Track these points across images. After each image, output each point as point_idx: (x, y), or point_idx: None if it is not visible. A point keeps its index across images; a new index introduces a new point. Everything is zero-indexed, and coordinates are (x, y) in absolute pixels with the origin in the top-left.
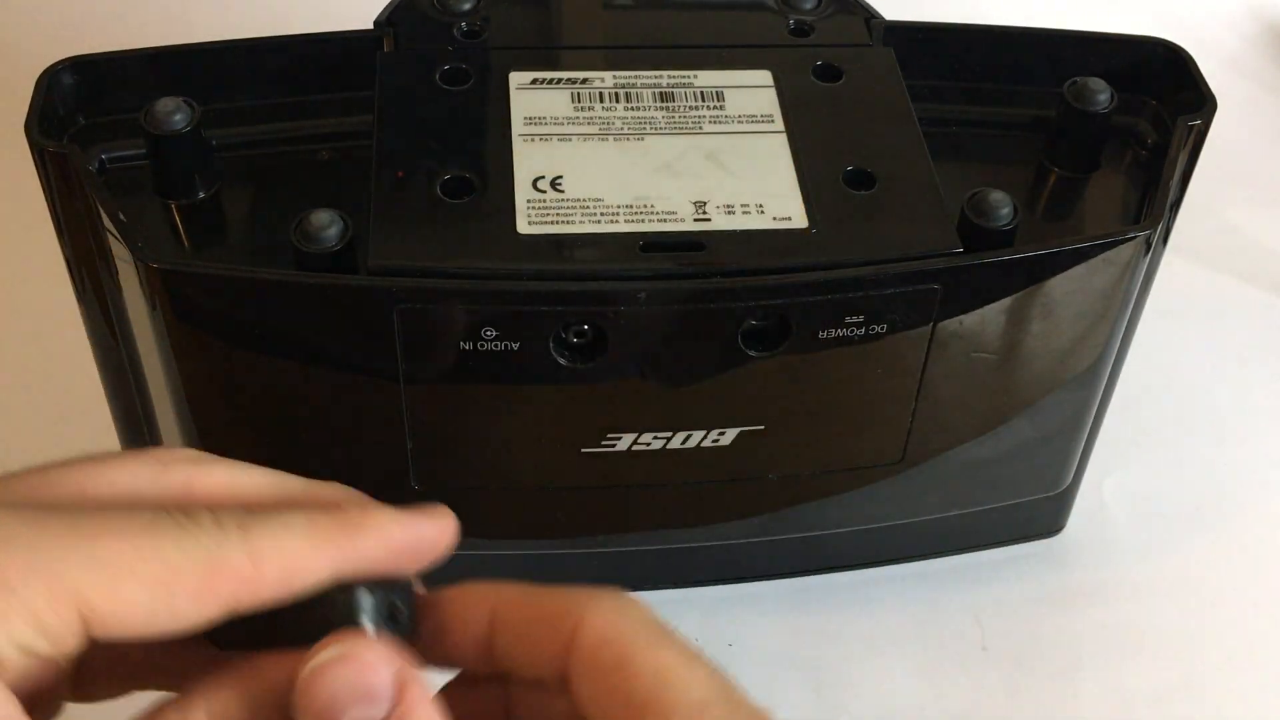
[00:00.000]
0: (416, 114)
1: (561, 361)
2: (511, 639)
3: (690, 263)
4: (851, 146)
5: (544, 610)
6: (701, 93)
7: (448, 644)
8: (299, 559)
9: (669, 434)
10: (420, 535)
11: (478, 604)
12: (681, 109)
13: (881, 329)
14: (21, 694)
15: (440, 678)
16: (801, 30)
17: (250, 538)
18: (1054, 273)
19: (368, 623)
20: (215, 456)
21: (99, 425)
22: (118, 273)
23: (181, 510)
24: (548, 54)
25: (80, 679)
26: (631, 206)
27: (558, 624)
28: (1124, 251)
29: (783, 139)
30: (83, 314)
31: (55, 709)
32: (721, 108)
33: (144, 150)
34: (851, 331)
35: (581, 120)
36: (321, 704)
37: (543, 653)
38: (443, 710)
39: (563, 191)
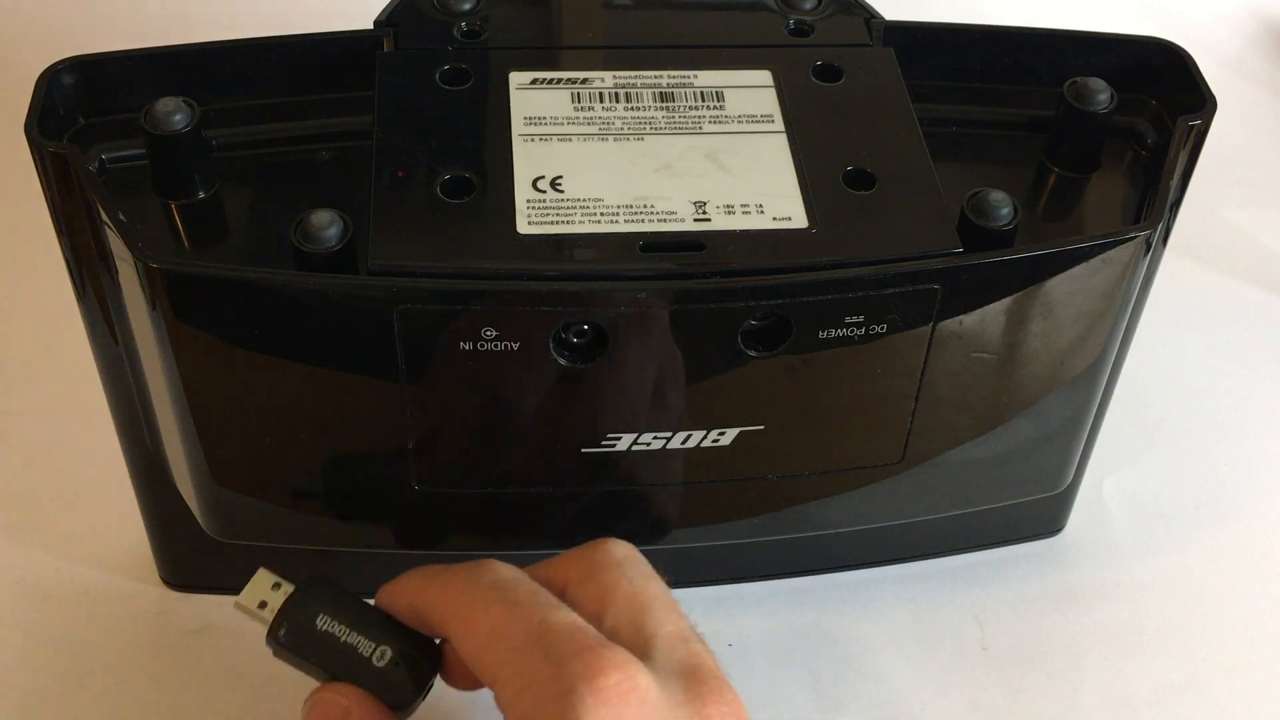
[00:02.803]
0: (416, 114)
1: (561, 361)
2: (423, 615)
3: (690, 263)
4: (851, 146)
5: (429, 592)
6: (701, 93)
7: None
8: None
9: (669, 434)
10: None
11: (403, 593)
12: (681, 109)
13: (881, 329)
14: None
15: None
16: (801, 30)
17: None
18: (1054, 273)
19: None
20: None
21: (99, 425)
22: (118, 273)
23: None
24: (548, 54)
25: None
26: (631, 206)
27: (437, 600)
28: (1124, 251)
29: (783, 139)
30: (83, 314)
31: None
32: (721, 108)
33: (144, 150)
34: (851, 331)
35: (581, 120)
36: None
37: (436, 623)
38: (382, 717)
39: (563, 191)
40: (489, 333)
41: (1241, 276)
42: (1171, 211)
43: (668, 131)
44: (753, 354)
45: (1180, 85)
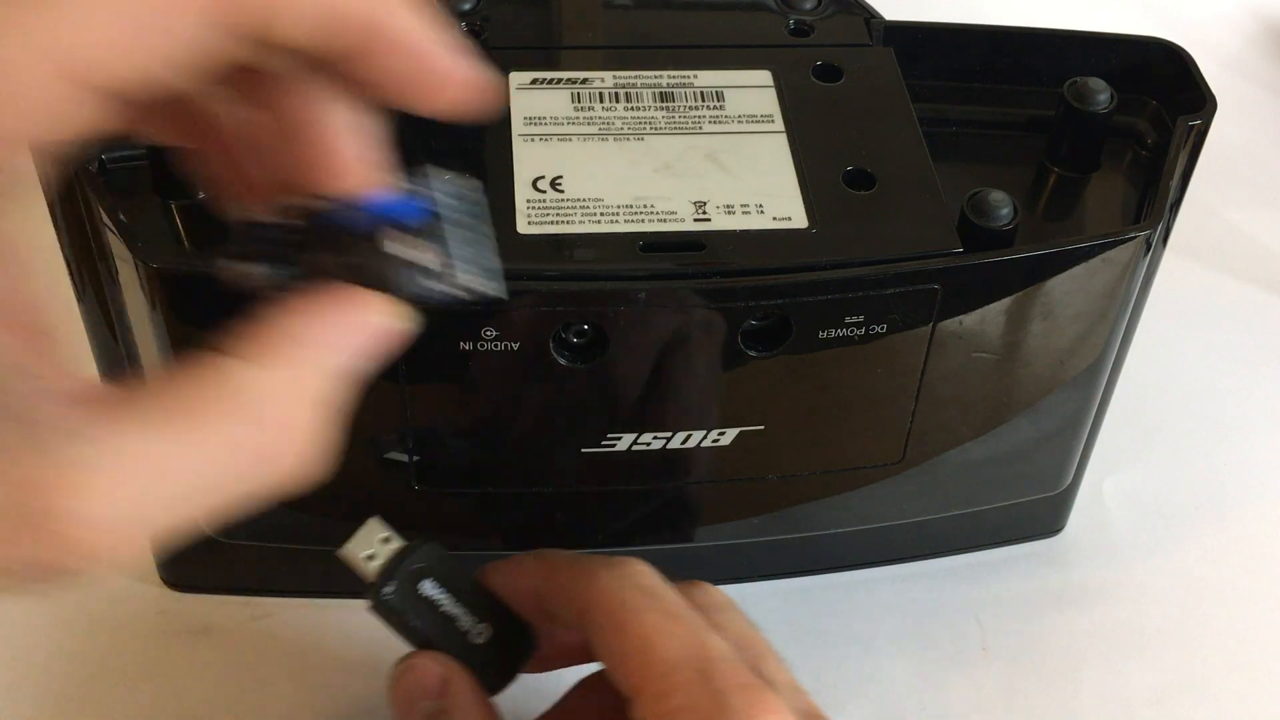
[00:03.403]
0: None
1: (561, 361)
2: (549, 601)
3: (690, 263)
4: (851, 146)
5: (566, 580)
6: (701, 93)
7: (514, 605)
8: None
9: (669, 434)
10: (445, 65)
11: (527, 573)
12: (681, 109)
13: (881, 329)
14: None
15: None
16: (801, 30)
17: None
18: (1054, 273)
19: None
20: None
21: None
22: (118, 273)
23: None
24: (548, 54)
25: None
26: (631, 206)
27: (574, 592)
28: (1124, 251)
29: (783, 139)
30: (82, 314)
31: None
32: (721, 108)
33: (144, 150)
34: (851, 331)
35: (581, 120)
36: (400, 697)
37: (569, 612)
38: (479, 695)
39: (562, 191)
40: (489, 333)
41: (1242, 277)
42: (1171, 211)
43: (668, 131)
44: (753, 354)
45: (1180, 85)
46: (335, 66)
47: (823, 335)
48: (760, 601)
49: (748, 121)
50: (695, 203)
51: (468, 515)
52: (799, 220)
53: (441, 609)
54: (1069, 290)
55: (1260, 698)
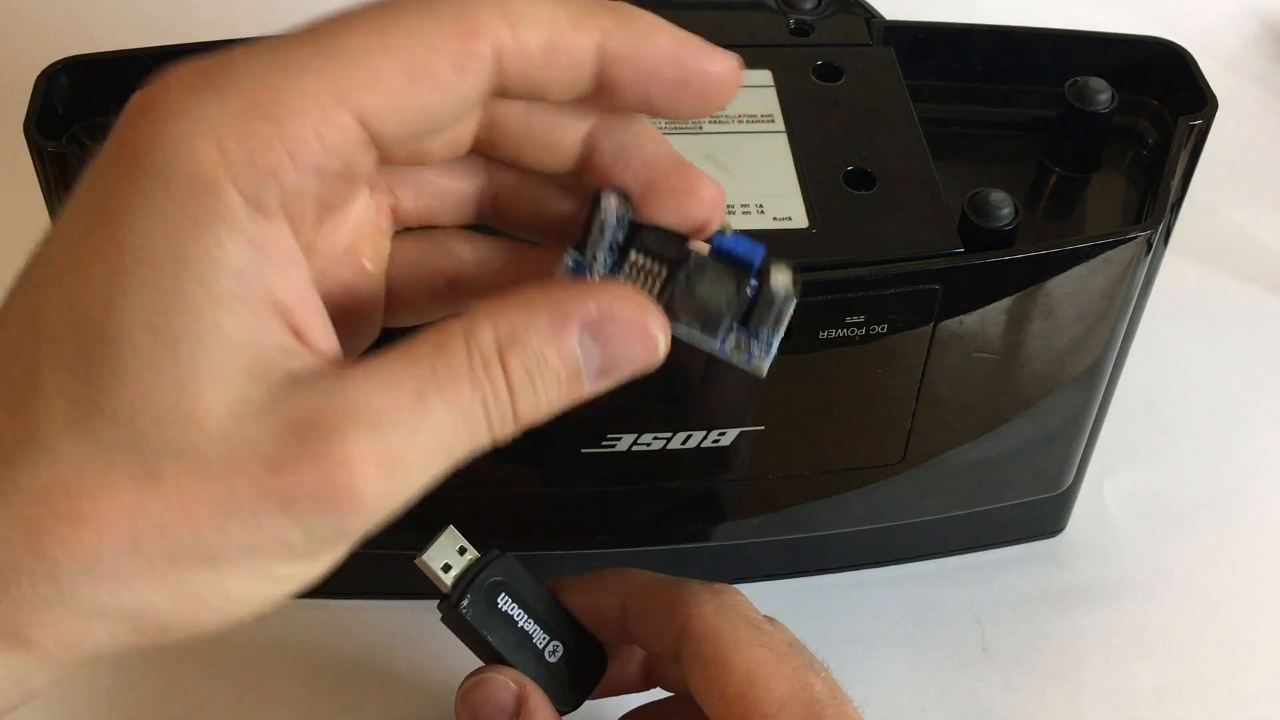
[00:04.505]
0: None
1: None
2: (637, 622)
3: None
4: (852, 146)
5: (661, 601)
6: None
7: (590, 623)
8: (559, 31)
9: (669, 434)
10: (696, 63)
11: (610, 590)
12: None
13: (882, 329)
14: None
15: None
16: (802, 30)
17: (504, 2)
18: (1055, 273)
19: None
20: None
21: None
22: None
23: None
24: None
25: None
26: None
27: (671, 615)
28: (1125, 251)
29: (783, 139)
30: None
31: (368, 321)
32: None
33: None
34: (852, 331)
35: None
36: (470, 711)
37: (661, 637)
38: (554, 715)
39: None
40: None
41: (1243, 277)
42: (1172, 211)
43: (667, 131)
44: None
45: (1181, 85)
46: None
47: (823, 335)
48: (761, 602)
49: (748, 121)
50: None
51: (467, 515)
52: (799, 220)
53: (518, 624)
54: (1070, 290)
55: (1261, 698)
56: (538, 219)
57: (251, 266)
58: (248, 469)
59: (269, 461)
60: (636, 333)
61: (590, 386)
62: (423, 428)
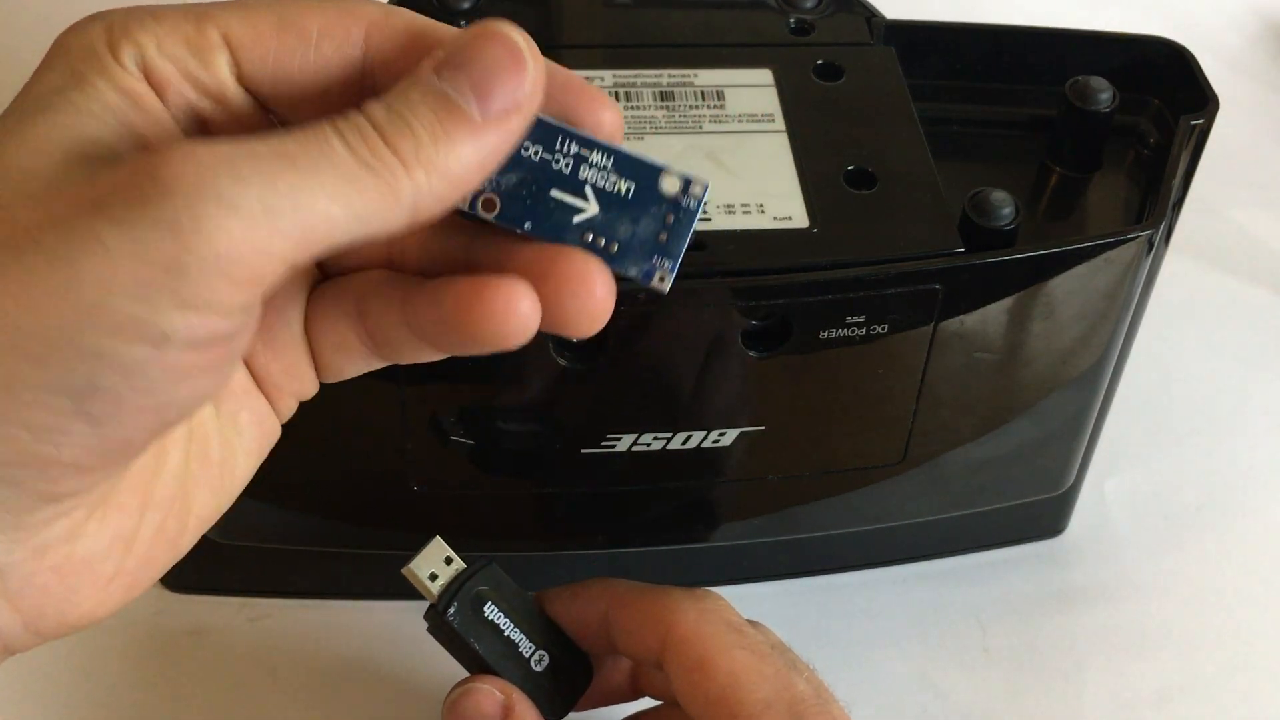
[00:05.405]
0: None
1: (561, 361)
2: (621, 631)
3: (690, 263)
4: (852, 146)
5: (642, 609)
6: (702, 92)
7: (575, 633)
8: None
9: (669, 434)
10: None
11: (593, 600)
12: (682, 108)
13: (883, 329)
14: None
15: None
16: (802, 29)
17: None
18: (1056, 272)
19: None
20: None
21: None
22: None
23: None
24: (547, 53)
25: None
26: None
27: (653, 622)
28: (1126, 251)
29: (783, 138)
30: None
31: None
32: (722, 107)
33: None
34: (852, 331)
35: None
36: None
37: (645, 644)
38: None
39: None
40: None
41: (1244, 276)
42: (1173, 211)
43: (668, 131)
44: (753, 354)
45: (1182, 84)
46: None
47: (824, 335)
48: (761, 602)
49: (748, 121)
50: None
51: (466, 516)
52: (799, 220)
53: (504, 633)
54: (1070, 290)
55: (1262, 698)
56: (435, 263)
57: (108, 95)
58: (67, 192)
59: (89, 184)
60: (488, 39)
61: (480, 113)
62: (280, 166)
